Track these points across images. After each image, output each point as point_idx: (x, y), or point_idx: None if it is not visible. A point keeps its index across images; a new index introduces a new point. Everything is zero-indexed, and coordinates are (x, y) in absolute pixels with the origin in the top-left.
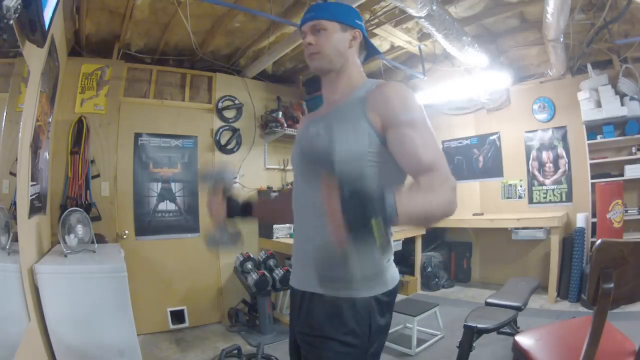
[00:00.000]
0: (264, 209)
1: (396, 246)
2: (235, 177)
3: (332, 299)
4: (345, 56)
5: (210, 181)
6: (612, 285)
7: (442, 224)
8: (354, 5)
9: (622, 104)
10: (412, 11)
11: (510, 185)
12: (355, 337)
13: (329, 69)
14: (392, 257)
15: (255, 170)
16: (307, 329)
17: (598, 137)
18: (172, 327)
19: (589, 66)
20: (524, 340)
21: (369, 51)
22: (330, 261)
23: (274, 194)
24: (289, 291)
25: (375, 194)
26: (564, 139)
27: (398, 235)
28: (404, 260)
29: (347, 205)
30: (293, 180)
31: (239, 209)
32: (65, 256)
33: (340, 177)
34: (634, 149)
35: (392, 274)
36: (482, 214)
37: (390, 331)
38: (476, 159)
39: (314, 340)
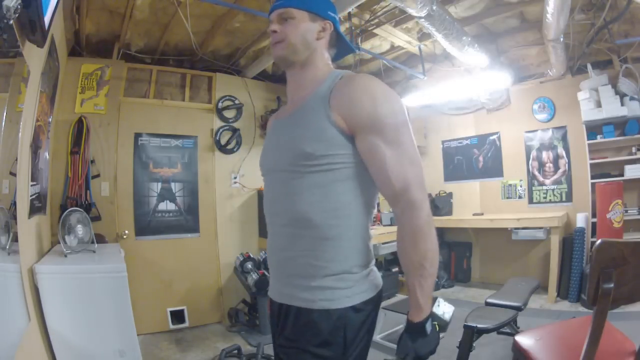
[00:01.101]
0: None
1: (395, 247)
2: (235, 177)
3: (307, 310)
4: (311, 47)
5: None
6: (612, 285)
7: (441, 224)
8: (354, 6)
9: (622, 104)
10: (412, 11)
11: (510, 185)
12: (329, 349)
13: (293, 60)
14: (374, 262)
15: (256, 170)
16: (283, 341)
17: (598, 137)
18: (172, 327)
19: (589, 66)
20: (524, 340)
21: (342, 48)
22: (303, 273)
23: None
24: None
25: (428, 329)
26: (564, 139)
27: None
28: (399, 261)
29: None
30: (263, 185)
31: None
32: (65, 256)
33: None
34: (634, 149)
35: (373, 281)
36: (482, 214)
37: (390, 331)
38: (476, 159)
39: (290, 352)
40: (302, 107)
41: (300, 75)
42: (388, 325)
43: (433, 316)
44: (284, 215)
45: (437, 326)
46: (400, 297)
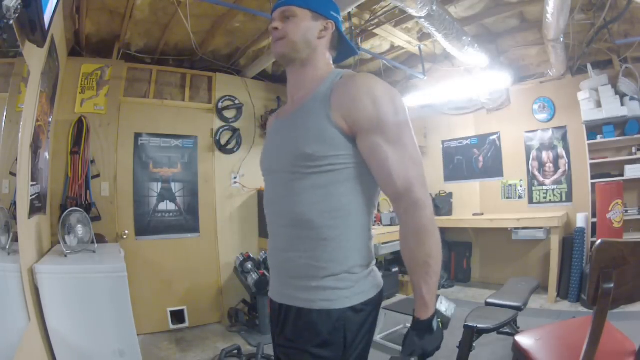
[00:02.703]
0: None
1: (396, 246)
2: (235, 177)
3: (307, 311)
4: (312, 46)
5: None
6: (612, 285)
7: (441, 224)
8: (354, 6)
9: (622, 104)
10: (412, 11)
11: (510, 185)
12: (329, 349)
13: (293, 57)
14: (374, 262)
15: (256, 170)
16: (283, 342)
17: (598, 137)
18: (172, 327)
19: (589, 66)
20: (524, 340)
21: (344, 49)
22: (304, 273)
23: None
24: None
25: (430, 326)
26: (564, 139)
27: (397, 235)
28: (403, 260)
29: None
30: (264, 185)
31: None
32: (65, 256)
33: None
34: (634, 149)
35: (373, 281)
36: (482, 214)
37: (390, 331)
38: (476, 159)
39: (289, 352)
40: (303, 107)
41: (300, 74)
42: (388, 325)
43: (437, 313)
44: (284, 216)
45: (440, 323)
46: (400, 297)
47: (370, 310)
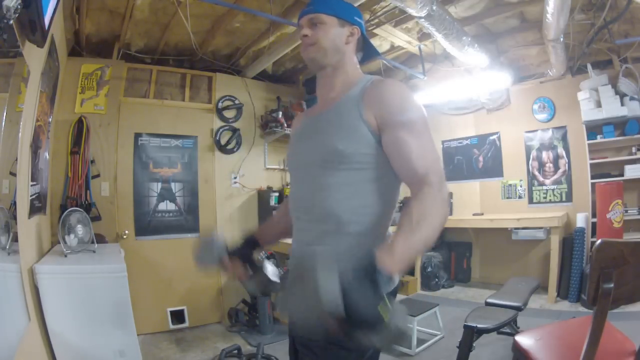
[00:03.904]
0: (270, 235)
1: None
2: (235, 177)
3: None
4: (341, 51)
5: (214, 260)
6: (612, 285)
7: None
8: (355, 5)
9: (622, 104)
10: (412, 11)
11: (510, 185)
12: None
13: (324, 63)
14: None
15: (255, 170)
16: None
17: (598, 137)
18: (172, 327)
19: (589, 66)
20: (524, 340)
21: (367, 51)
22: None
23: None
24: None
25: (368, 288)
26: (564, 139)
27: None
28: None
29: (351, 324)
30: (290, 181)
31: (251, 253)
32: (65, 256)
33: (326, 307)
34: (634, 149)
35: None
36: (482, 214)
37: None
38: (476, 159)
39: (313, 345)
40: (336, 106)
41: (331, 77)
42: None
43: (391, 307)
44: (312, 210)
45: (383, 313)
46: (400, 297)
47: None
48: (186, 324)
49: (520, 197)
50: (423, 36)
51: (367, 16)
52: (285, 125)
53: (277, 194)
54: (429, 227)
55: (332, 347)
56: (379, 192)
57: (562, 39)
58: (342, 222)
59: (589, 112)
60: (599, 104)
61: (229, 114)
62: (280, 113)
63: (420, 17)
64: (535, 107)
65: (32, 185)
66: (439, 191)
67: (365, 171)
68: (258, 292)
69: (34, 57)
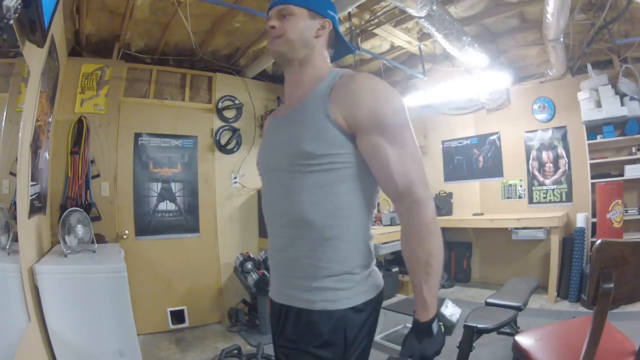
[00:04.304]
0: None
1: (396, 246)
2: (235, 177)
3: (308, 311)
4: (310, 45)
5: None
6: (612, 285)
7: (441, 224)
8: (354, 6)
9: (622, 104)
10: (412, 11)
11: (510, 185)
12: (329, 350)
13: (291, 56)
14: (374, 262)
15: (255, 170)
16: (284, 342)
17: (598, 137)
18: (172, 327)
19: (589, 66)
20: (524, 340)
21: (341, 48)
22: (304, 274)
23: None
24: None
25: (433, 329)
26: (564, 139)
27: (397, 235)
28: (404, 260)
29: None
30: (261, 185)
31: None
32: (65, 256)
33: None
34: (634, 149)
35: (373, 282)
36: (482, 214)
37: (390, 331)
38: (476, 159)
39: (290, 353)
40: (302, 105)
41: (298, 73)
42: (388, 325)
43: (439, 316)
44: (284, 215)
45: (442, 327)
46: (400, 297)
47: (370, 310)
48: (186, 324)
49: (520, 197)
50: (423, 36)
51: (367, 16)
52: None
53: None
54: (437, 258)
55: (306, 354)
56: (355, 192)
57: (562, 39)
58: (316, 226)
59: (589, 112)
60: (599, 104)
61: (229, 114)
62: None
63: (420, 17)
64: (535, 107)
65: (32, 185)
66: (426, 207)
67: (338, 171)
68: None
69: (34, 57)
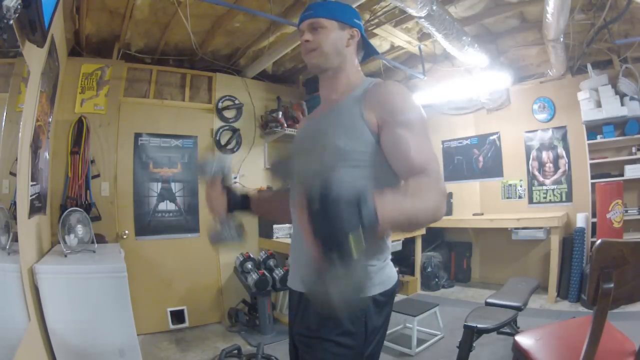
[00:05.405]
0: (263, 206)
1: (396, 246)
2: (235, 177)
3: None
4: (343, 54)
5: (209, 173)
6: (612, 285)
7: (441, 224)
8: (354, 5)
9: (622, 104)
10: (412, 11)
11: (510, 185)
12: (351, 338)
13: (326, 66)
14: (390, 256)
15: (255, 170)
16: (303, 330)
17: (598, 137)
18: (172, 327)
19: (589, 66)
20: (524, 340)
21: (367, 51)
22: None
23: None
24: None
25: (352, 203)
26: (564, 139)
27: (398, 235)
28: (404, 260)
29: (318, 221)
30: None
31: (238, 202)
32: (65, 256)
33: (309, 189)
34: (634, 149)
35: (389, 273)
36: (482, 214)
37: (390, 331)
38: (476, 159)
39: (310, 342)
40: (338, 106)
41: (333, 79)
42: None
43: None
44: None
45: (355, 238)
46: (400, 297)
47: (387, 300)
48: (186, 324)
49: (520, 197)
50: (423, 36)
51: (367, 16)
52: (285, 125)
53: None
54: (422, 203)
55: (328, 342)
56: (375, 188)
57: (562, 39)
58: None
59: (589, 112)
60: (599, 104)
61: (229, 114)
62: (280, 113)
63: (420, 17)
64: (535, 107)
65: (32, 185)
66: (437, 182)
67: (362, 169)
68: (216, 239)
69: (34, 57)
